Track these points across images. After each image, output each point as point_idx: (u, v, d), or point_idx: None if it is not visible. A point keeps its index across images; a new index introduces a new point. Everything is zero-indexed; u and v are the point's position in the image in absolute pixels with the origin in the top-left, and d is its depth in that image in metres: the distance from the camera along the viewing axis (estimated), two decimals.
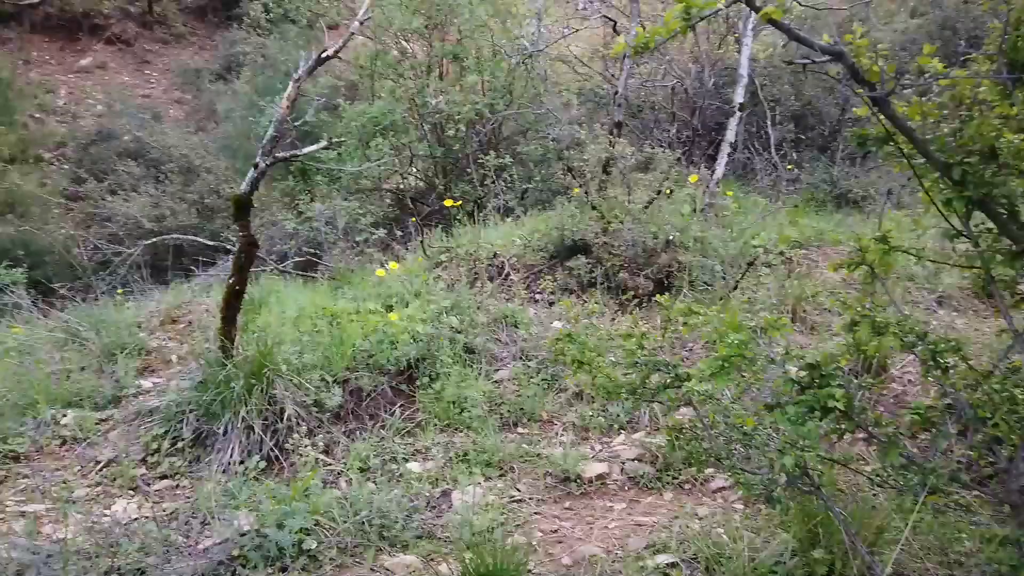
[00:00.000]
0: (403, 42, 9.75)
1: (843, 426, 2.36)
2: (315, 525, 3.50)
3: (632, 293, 6.28)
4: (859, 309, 2.99)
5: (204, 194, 11.85)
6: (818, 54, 2.18)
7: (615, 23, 7.71)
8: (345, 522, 3.54)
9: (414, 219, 7.24)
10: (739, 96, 7.80)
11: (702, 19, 2.05)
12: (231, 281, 4.39)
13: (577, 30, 8.30)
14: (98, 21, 18.45)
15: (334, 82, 10.81)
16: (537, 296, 6.51)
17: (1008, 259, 2.41)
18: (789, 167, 10.05)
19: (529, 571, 3.44)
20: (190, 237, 6.29)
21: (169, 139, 12.86)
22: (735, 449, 3.17)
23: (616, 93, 7.63)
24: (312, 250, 7.70)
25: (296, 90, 4.18)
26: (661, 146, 8.88)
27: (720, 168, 7.70)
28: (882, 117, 2.43)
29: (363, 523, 3.55)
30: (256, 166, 4.14)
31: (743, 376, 2.77)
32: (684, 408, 4.14)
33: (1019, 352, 2.47)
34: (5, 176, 12.35)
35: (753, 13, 8.17)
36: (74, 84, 17.33)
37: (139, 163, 12.50)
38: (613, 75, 9.12)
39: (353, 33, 4.21)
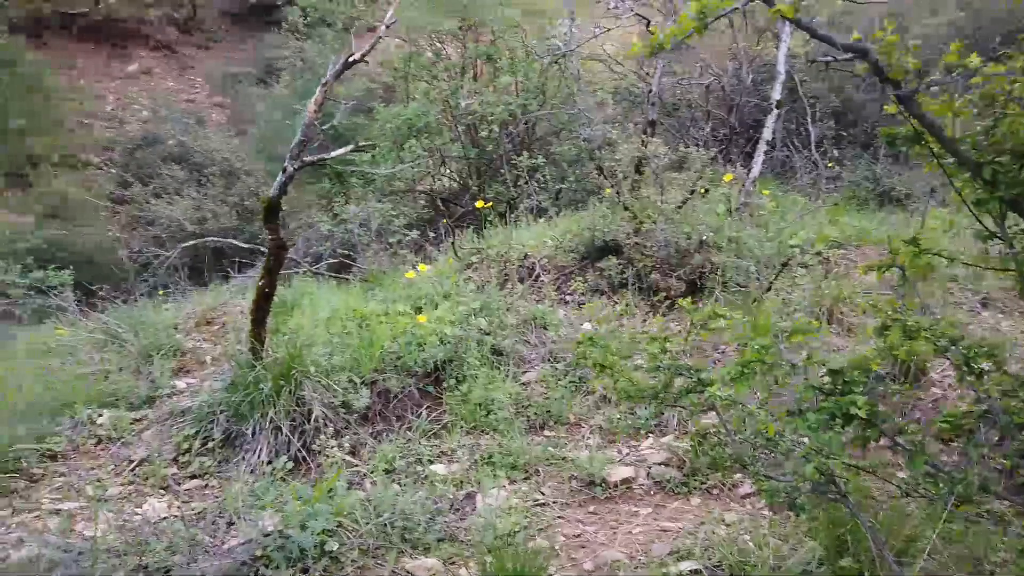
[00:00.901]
0: (437, 44, 9.79)
1: (867, 434, 2.29)
2: (338, 527, 3.51)
3: (664, 294, 6.21)
4: (890, 312, 2.92)
5: (244, 196, 12.06)
6: (841, 51, 2.12)
7: (648, 21, 7.63)
8: (368, 524, 3.55)
9: (445, 220, 7.25)
10: (776, 93, 7.66)
11: (718, 18, 2.01)
12: (261, 284, 4.44)
13: (609, 29, 8.24)
14: (143, 28, 18.90)
15: (369, 85, 10.89)
16: (567, 297, 6.48)
17: None
18: (829, 164, 9.85)
19: None
20: (228, 240, 6.38)
21: (211, 143, 13.12)
22: (760, 455, 3.10)
23: (649, 92, 7.55)
24: (346, 252, 7.77)
25: (324, 94, 4.21)
26: (696, 145, 8.78)
27: (756, 166, 7.57)
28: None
29: (385, 525, 3.56)
30: (285, 170, 4.18)
31: (767, 381, 2.71)
32: (712, 412, 4.08)
33: None
34: (53, 181, 12.69)
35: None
36: (121, 90, 17.78)
37: (182, 167, 12.76)
38: (647, 74, 9.04)
39: (380, 37, 4.23)
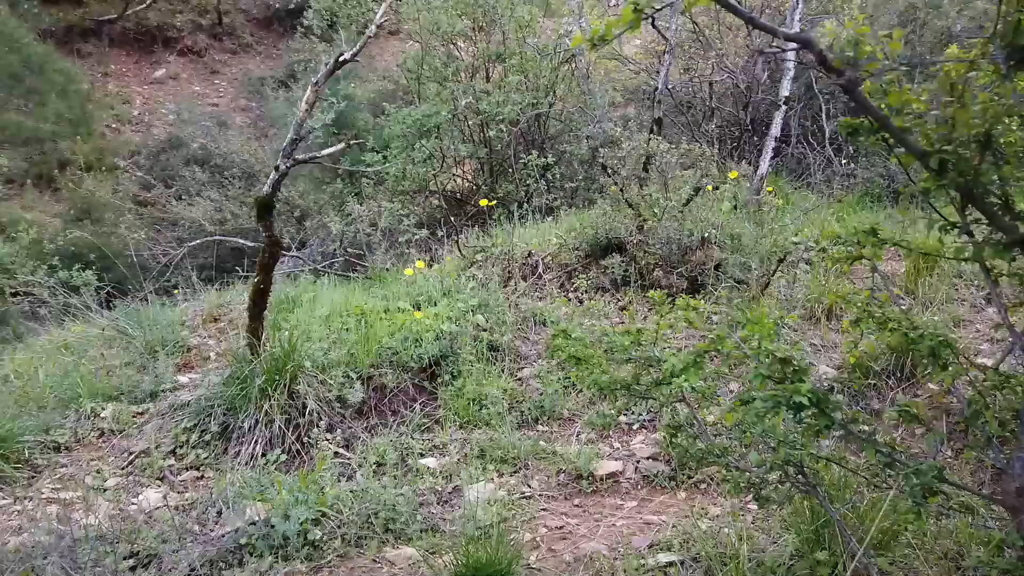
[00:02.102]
0: (450, 45, 9.86)
1: (818, 423, 2.30)
2: (322, 516, 3.59)
3: (666, 292, 6.20)
4: (860, 305, 2.92)
5: None
6: (785, 42, 2.13)
7: (653, 18, 7.61)
8: (351, 514, 3.62)
9: (453, 219, 7.31)
10: (784, 89, 7.61)
11: (656, 11, 2.03)
12: (256, 280, 4.54)
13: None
14: (171, 34, 19.24)
15: (384, 86, 11.00)
16: (570, 295, 6.51)
17: (1000, 250, 2.30)
18: (844, 161, 9.75)
19: (530, 567, 3.46)
20: (232, 239, 6.49)
21: (232, 145, 13.35)
22: (732, 447, 3.11)
23: (656, 90, 7.54)
24: (356, 251, 7.87)
25: (315, 94, 4.29)
26: (708, 142, 8.76)
27: (764, 163, 7.53)
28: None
29: (369, 515, 3.62)
30: (277, 168, 4.27)
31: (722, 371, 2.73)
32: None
33: (1018, 350, 2.36)
34: (81, 183, 13.00)
35: (800, 2, 7.98)
36: (149, 95, 18.12)
37: (204, 169, 13.01)
38: (658, 71, 9.02)
39: (370, 37, 4.30)
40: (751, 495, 2.78)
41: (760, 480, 2.77)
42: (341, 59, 4.22)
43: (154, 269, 9.84)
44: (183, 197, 12.17)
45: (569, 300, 6.33)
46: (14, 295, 9.82)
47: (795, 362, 2.27)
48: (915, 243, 2.56)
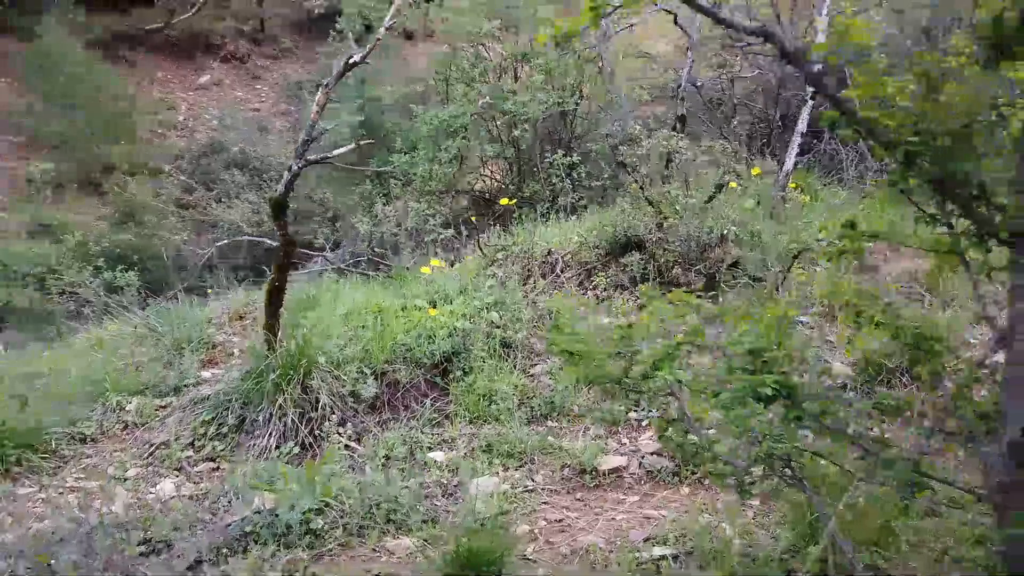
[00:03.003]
0: (478, 46, 9.95)
1: (790, 414, 2.31)
2: (325, 506, 3.68)
3: (685, 289, 6.19)
4: (850, 299, 2.92)
5: (299, 199, 12.50)
6: (746, 35, 2.15)
7: (675, 14, 7.60)
8: (355, 505, 3.71)
9: (474, 218, 7.40)
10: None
11: (613, 9, 2.07)
12: (271, 279, 4.67)
13: (632, 25, 8.24)
14: (215, 41, 19.70)
15: (414, 88, 11.15)
16: (589, 293, 6.53)
17: (975, 243, 2.29)
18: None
19: (526, 558, 3.51)
20: (258, 238, 6.67)
21: (271, 149, 13.64)
22: (723, 440, 3.12)
23: (679, 87, 7.52)
24: (382, 250, 7.99)
25: (326, 97, 4.40)
26: (737, 139, 8.69)
27: (790, 160, 7.44)
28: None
29: (371, 506, 3.71)
30: (290, 168, 4.39)
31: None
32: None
33: (995, 344, 2.33)
34: (125, 187, 13.41)
35: None
36: (193, 100, 18.60)
37: (243, 172, 13.31)
38: (683, 69, 8.98)
39: (379, 39, 4.40)
40: (735, 488, 2.78)
41: (744, 472, 2.78)
42: (351, 62, 4.32)
43: (192, 270, 10.15)
44: (222, 200, 12.47)
45: (586, 296, 6.36)
46: (60, 295, 10.21)
47: (766, 354, 2.28)
48: (898, 237, 2.54)
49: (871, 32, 2.21)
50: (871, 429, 2.94)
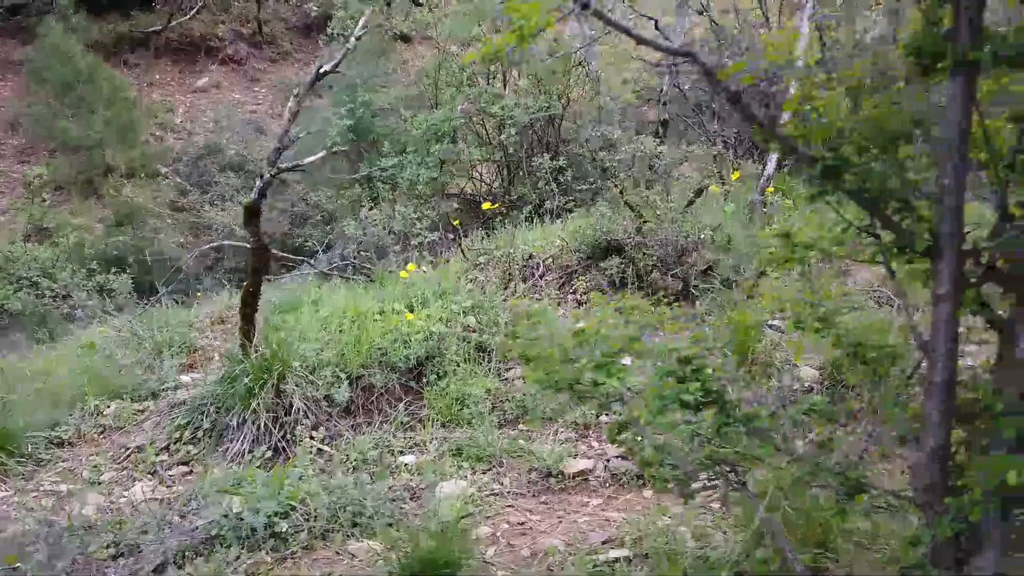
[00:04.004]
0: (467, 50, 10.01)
1: (719, 420, 2.37)
2: (292, 510, 3.75)
3: (663, 293, 6.26)
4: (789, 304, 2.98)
5: (294, 202, 12.59)
6: (669, 55, 2.21)
7: (656, 20, 7.65)
8: (321, 508, 3.77)
9: (456, 222, 7.46)
10: (793, 88, 7.55)
11: (542, 30, 2.12)
12: (246, 284, 4.74)
13: (606, 32, 8.28)
14: (213, 44, 19.81)
15: (410, 91, 11.20)
16: (569, 296, 6.59)
17: (894, 254, 2.35)
18: None
19: (486, 560, 3.58)
20: (238, 243, 6.75)
21: (267, 151, 13.71)
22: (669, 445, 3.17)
23: (661, 91, 7.57)
24: (367, 253, 8.05)
25: (298, 105, 4.47)
26: (724, 143, 8.74)
27: (771, 163, 7.48)
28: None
29: (337, 510, 3.78)
30: (261, 176, 4.46)
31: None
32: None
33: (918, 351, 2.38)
34: (122, 190, 13.52)
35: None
36: (191, 103, 18.71)
37: (239, 175, 13.39)
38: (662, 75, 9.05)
39: (350, 49, 4.47)
40: (676, 492, 2.84)
41: (687, 476, 2.84)
42: (321, 71, 4.39)
43: (187, 272, 10.23)
44: (216, 202, 12.56)
45: (568, 302, 6.42)
46: (54, 298, 10.31)
47: (695, 361, 2.34)
48: (829, 248, 2.59)
49: (789, 49, 2.26)
50: (809, 435, 3.00)
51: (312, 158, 4.60)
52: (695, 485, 2.87)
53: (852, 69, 2.40)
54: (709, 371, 2.35)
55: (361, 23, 4.72)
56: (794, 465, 2.53)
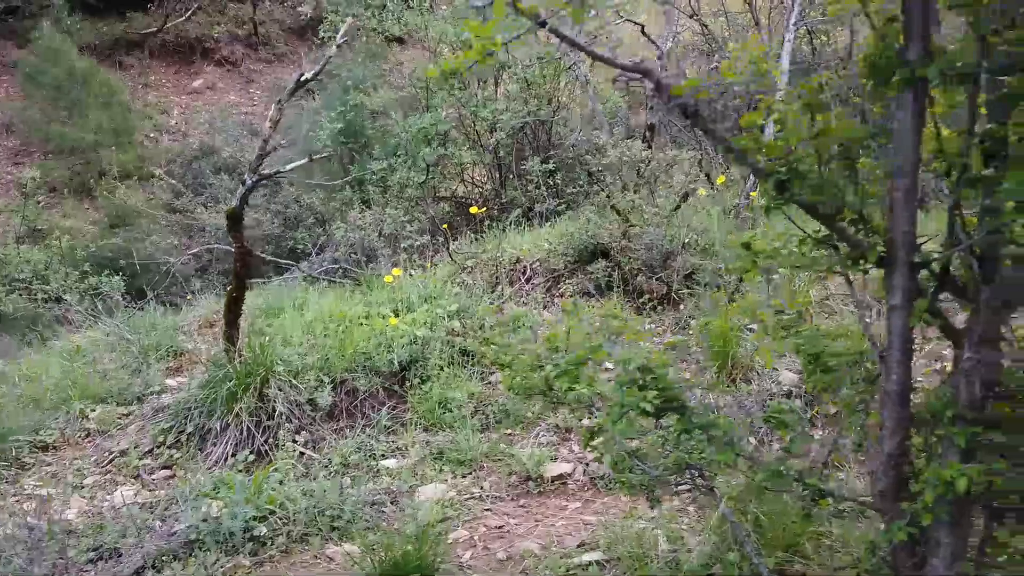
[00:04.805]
0: (458, 53, 10.04)
1: (679, 426, 2.41)
2: (271, 514, 3.79)
3: (648, 296, 6.30)
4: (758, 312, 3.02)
5: (287, 204, 12.61)
6: (623, 72, 2.25)
7: (643, 27, 7.70)
8: (300, 512, 3.81)
9: (445, 226, 7.50)
10: (778, 94, 7.59)
11: (509, 42, 2.16)
12: (230, 288, 4.78)
13: (595, 36, 8.33)
14: (209, 45, 19.86)
15: (404, 94, 11.24)
16: (556, 300, 6.63)
17: (849, 264, 2.39)
18: None
19: (461, 564, 3.62)
20: (226, 246, 6.78)
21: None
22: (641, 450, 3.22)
23: (649, 96, 7.61)
24: (356, 257, 8.09)
25: (279, 112, 4.50)
26: (713, 148, 8.77)
27: None
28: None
29: (316, 514, 3.82)
30: (244, 182, 4.50)
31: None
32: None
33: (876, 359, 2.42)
34: (116, 192, 13.55)
35: (796, 6, 7.96)
36: (186, 104, 18.75)
37: (232, 177, 13.42)
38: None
39: (330, 58, 4.50)
40: (645, 496, 2.88)
41: (654, 482, 2.88)
42: (303, 79, 4.43)
43: (179, 274, 10.26)
44: (209, 204, 12.59)
45: (554, 305, 6.46)
46: (46, 300, 10.33)
47: (655, 370, 2.38)
48: (788, 259, 2.63)
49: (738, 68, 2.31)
50: (772, 441, 3.05)
51: (292, 165, 4.63)
52: (664, 490, 2.92)
53: (804, 84, 2.44)
54: (668, 379, 2.38)
55: (343, 30, 4.76)
56: (756, 472, 2.57)
